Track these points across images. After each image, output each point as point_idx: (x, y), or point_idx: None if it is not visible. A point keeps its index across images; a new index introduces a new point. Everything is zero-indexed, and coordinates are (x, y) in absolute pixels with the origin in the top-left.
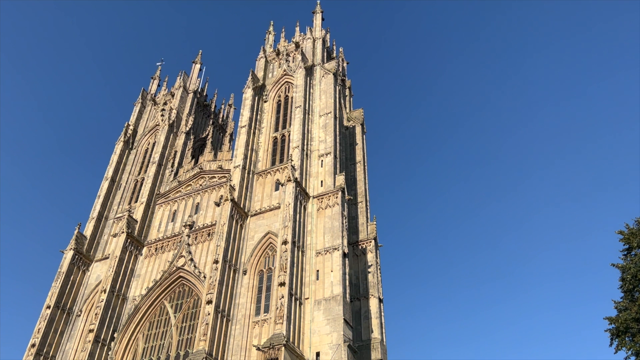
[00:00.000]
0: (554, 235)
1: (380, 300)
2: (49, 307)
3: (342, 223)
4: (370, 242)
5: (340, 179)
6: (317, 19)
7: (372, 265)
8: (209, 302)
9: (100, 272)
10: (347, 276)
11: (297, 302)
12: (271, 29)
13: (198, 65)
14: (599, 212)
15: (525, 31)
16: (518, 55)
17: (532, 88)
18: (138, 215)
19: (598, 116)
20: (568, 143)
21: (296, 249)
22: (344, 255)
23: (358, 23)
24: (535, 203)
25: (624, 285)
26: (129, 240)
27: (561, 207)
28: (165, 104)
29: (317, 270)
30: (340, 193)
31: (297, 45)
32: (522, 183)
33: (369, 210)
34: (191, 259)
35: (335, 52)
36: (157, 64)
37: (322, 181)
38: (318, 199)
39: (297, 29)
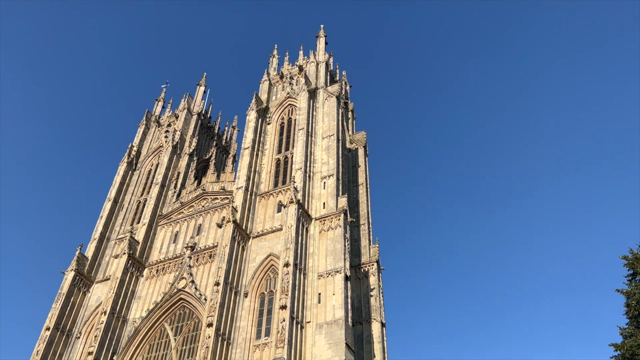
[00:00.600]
0: (557, 255)
1: (383, 325)
2: (48, 328)
3: (345, 245)
4: (373, 265)
5: (343, 201)
6: (321, 43)
7: (374, 288)
8: (210, 325)
9: (100, 294)
10: (349, 300)
11: (299, 325)
12: (275, 52)
13: (202, 88)
14: (604, 234)
15: (527, 54)
16: (521, 75)
17: (536, 106)
18: (140, 236)
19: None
20: (575, 163)
21: (298, 271)
22: (346, 278)
23: (361, 46)
24: (540, 220)
25: (629, 311)
26: (130, 262)
27: (565, 226)
28: (169, 125)
29: (319, 294)
30: (342, 215)
31: (301, 68)
32: (523, 202)
33: (371, 233)
34: (192, 281)
35: (338, 75)
36: (162, 86)
37: (324, 203)
38: (320, 221)
39: (301, 52)
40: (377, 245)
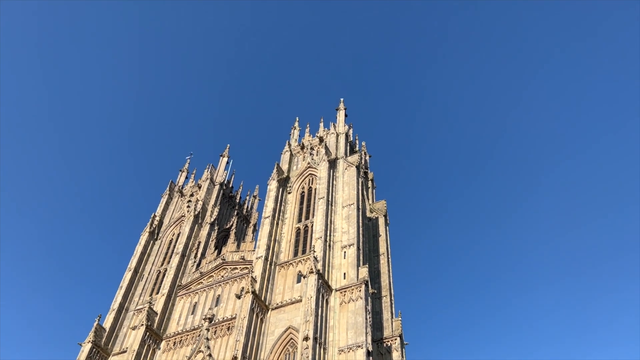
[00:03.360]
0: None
1: None
2: None
3: (366, 318)
4: (396, 339)
5: (364, 272)
6: (341, 116)
7: None
8: None
9: None
10: None
11: None
12: (296, 124)
13: (225, 159)
14: None
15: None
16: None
17: (541, 154)
18: (159, 307)
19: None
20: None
21: (318, 345)
22: (368, 353)
23: (381, 117)
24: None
25: None
26: (147, 334)
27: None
28: (191, 195)
29: None
30: (363, 286)
31: (321, 139)
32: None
33: (393, 305)
34: (209, 355)
35: (357, 145)
36: (186, 157)
37: (344, 273)
38: (341, 292)
39: (321, 124)
40: (400, 318)
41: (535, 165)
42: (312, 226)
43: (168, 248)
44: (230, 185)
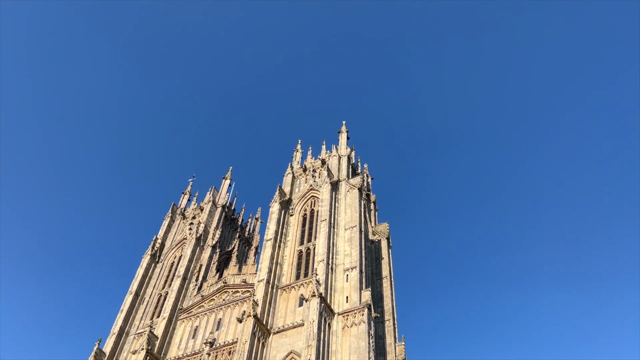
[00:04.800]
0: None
1: None
2: None
3: (369, 343)
4: None
5: (367, 295)
6: (343, 138)
7: None
8: None
9: None
10: None
11: None
12: (299, 146)
13: (228, 181)
14: None
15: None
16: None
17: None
18: (159, 331)
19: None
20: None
21: None
22: None
23: (383, 139)
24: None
25: None
26: (148, 358)
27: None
28: (194, 217)
29: None
30: (366, 310)
31: (324, 162)
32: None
33: (396, 329)
34: None
35: (360, 168)
36: (189, 179)
37: (347, 297)
38: (343, 316)
39: (324, 147)
40: (403, 343)
41: (539, 176)
42: (314, 249)
43: (169, 271)
44: (233, 208)
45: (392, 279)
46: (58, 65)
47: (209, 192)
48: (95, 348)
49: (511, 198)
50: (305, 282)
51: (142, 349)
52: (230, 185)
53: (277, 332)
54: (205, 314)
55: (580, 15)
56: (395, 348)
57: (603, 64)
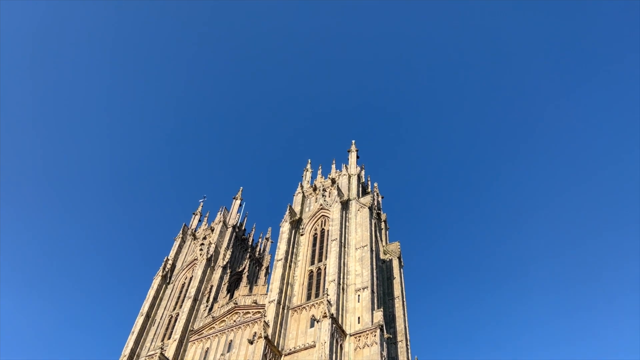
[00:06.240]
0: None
1: None
2: None
3: None
4: None
5: (379, 316)
6: (352, 157)
7: None
8: None
9: None
10: None
11: None
12: (308, 166)
13: (238, 201)
14: None
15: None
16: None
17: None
18: (170, 353)
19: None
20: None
21: None
22: None
23: (393, 158)
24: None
25: None
26: None
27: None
28: (204, 238)
29: None
30: (378, 331)
31: (333, 181)
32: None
33: (409, 351)
34: None
35: (370, 187)
36: (200, 200)
37: (359, 317)
38: (355, 337)
39: (333, 166)
40: None
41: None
42: (325, 269)
43: (180, 292)
44: (243, 228)
45: (405, 299)
46: (73, 93)
47: (219, 213)
48: None
49: (525, 215)
50: (317, 303)
51: None
52: (240, 205)
53: (289, 353)
54: (216, 335)
55: (576, 14)
56: None
57: (601, 62)
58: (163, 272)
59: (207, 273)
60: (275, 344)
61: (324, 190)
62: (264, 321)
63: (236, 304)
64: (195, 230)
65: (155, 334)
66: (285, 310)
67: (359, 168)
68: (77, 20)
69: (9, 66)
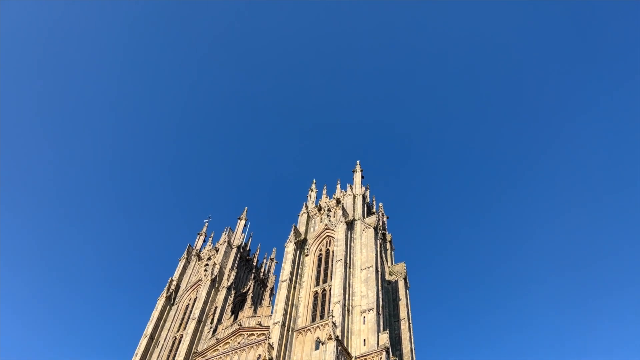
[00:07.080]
0: None
1: None
2: None
3: None
4: None
5: (384, 338)
6: (357, 177)
7: None
8: None
9: None
10: None
11: None
12: (313, 186)
13: (243, 222)
14: None
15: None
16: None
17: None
18: None
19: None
20: None
21: None
22: None
23: (398, 178)
24: None
25: None
26: None
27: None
28: (209, 259)
29: None
30: (384, 353)
31: (338, 201)
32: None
33: None
34: None
35: (375, 207)
36: (205, 220)
37: (364, 339)
38: None
39: (338, 186)
40: None
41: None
42: (330, 290)
43: (185, 313)
44: (248, 248)
45: (411, 321)
46: (81, 105)
47: (224, 233)
48: None
49: (531, 230)
50: (322, 325)
51: None
52: (245, 225)
53: None
54: (220, 357)
55: (583, 16)
56: None
57: (608, 70)
58: (167, 293)
59: (212, 294)
60: None
61: (329, 210)
62: (269, 343)
63: (240, 325)
64: (200, 251)
65: (159, 356)
66: (290, 332)
67: (363, 188)
68: (80, 22)
69: (10, 66)
